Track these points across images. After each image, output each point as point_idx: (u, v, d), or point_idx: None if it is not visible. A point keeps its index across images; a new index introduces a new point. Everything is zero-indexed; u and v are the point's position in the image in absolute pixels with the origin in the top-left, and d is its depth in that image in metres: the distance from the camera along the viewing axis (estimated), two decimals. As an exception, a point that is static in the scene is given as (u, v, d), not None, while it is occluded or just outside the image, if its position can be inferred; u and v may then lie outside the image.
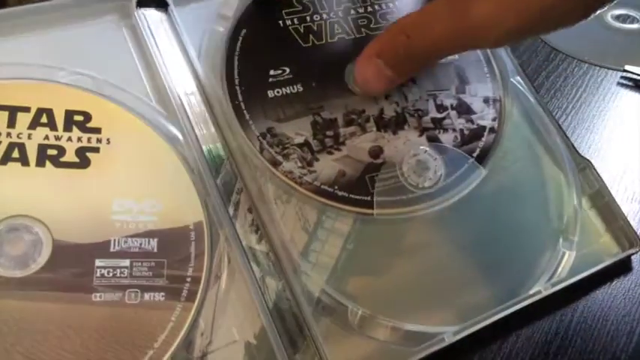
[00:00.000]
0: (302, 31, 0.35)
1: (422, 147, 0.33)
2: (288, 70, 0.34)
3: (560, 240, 0.33)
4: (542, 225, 0.33)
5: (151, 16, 0.34)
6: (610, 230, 0.34)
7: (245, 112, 0.32)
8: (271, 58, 0.34)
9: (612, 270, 0.33)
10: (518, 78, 0.36)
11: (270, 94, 0.33)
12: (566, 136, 0.35)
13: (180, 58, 0.33)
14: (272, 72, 0.33)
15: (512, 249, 0.32)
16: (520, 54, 0.39)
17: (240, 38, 0.34)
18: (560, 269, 0.32)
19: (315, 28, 0.35)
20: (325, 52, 0.35)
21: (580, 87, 0.42)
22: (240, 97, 0.32)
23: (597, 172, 0.34)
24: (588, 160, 0.35)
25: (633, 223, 0.34)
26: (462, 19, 0.28)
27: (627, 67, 0.43)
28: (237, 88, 0.33)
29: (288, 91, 0.33)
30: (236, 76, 0.33)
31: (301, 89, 0.33)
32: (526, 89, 0.36)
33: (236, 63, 0.33)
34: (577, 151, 0.35)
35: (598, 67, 0.43)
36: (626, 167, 0.38)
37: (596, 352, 0.31)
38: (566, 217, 0.33)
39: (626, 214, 0.34)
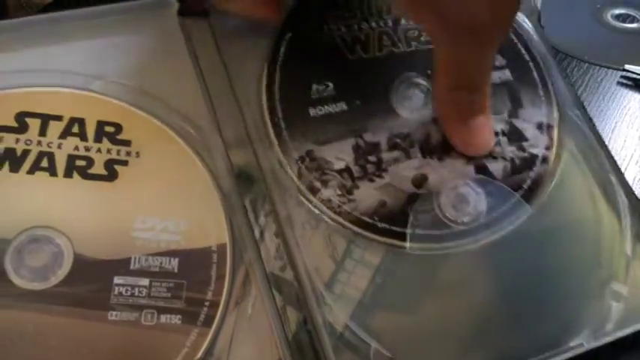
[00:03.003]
0: (349, 40, 0.33)
1: (463, 179, 0.31)
2: (331, 85, 0.32)
3: (608, 290, 0.30)
4: (589, 272, 0.31)
5: (192, 25, 0.33)
6: (667, 283, 0.31)
7: (285, 131, 0.31)
8: (315, 69, 0.32)
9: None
10: (577, 111, 0.34)
11: (312, 112, 0.31)
12: (624, 177, 0.33)
13: (219, 70, 0.33)
14: (315, 87, 0.32)
15: (555, 296, 0.30)
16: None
17: (285, 42, 0.32)
18: (606, 322, 0.29)
19: (363, 37, 0.33)
20: (372, 67, 0.33)
21: (580, 86, 0.41)
22: (280, 114, 0.31)
23: (656, 218, 0.32)
24: (646, 204, 0.32)
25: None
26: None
27: (627, 67, 0.43)
28: (278, 103, 0.31)
29: (331, 110, 0.31)
30: (277, 90, 0.31)
31: (345, 108, 0.32)
32: (584, 124, 0.34)
33: (278, 73, 0.32)
34: (634, 194, 0.32)
35: (598, 67, 0.42)
36: (626, 167, 0.37)
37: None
38: (616, 266, 0.30)
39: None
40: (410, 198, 0.30)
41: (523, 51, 0.35)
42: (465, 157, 0.32)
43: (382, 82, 0.33)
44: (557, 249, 0.31)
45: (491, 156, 0.32)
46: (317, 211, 0.30)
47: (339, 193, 0.30)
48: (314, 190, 0.30)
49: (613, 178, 0.32)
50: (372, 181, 0.31)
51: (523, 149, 0.32)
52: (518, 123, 0.33)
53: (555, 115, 0.34)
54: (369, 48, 0.33)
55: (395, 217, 0.30)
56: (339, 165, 0.30)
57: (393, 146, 0.31)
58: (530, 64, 0.35)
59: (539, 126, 0.33)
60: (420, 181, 0.31)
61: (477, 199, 0.31)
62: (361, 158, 0.31)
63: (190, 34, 0.33)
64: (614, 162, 0.33)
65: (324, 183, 0.30)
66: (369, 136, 0.31)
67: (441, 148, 0.32)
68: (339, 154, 0.31)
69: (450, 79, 0.30)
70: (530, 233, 0.31)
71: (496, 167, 0.32)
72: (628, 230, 0.31)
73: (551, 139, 0.33)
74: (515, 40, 0.35)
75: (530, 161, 0.32)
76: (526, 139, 0.33)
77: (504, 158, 0.32)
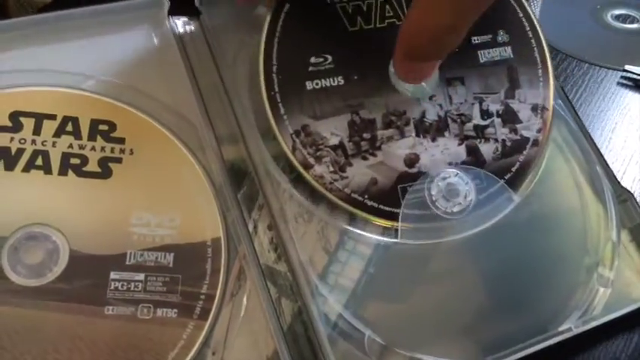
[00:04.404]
0: (350, 11, 0.32)
1: (453, 170, 0.32)
2: (330, 58, 0.31)
3: (595, 275, 0.31)
4: (576, 258, 0.31)
5: (182, 24, 0.34)
6: (651, 267, 0.32)
7: (280, 104, 0.30)
8: (313, 41, 0.31)
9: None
10: (560, 102, 0.34)
11: (309, 85, 0.31)
12: (608, 165, 0.33)
13: (210, 68, 0.33)
14: (313, 59, 0.31)
15: (543, 282, 0.31)
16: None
17: (283, 15, 0.31)
18: (593, 306, 0.30)
19: (365, 8, 0.32)
20: (372, 40, 0.32)
21: (580, 87, 0.41)
22: (276, 87, 0.30)
23: (639, 205, 0.32)
24: (630, 191, 0.33)
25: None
26: None
27: (627, 67, 0.43)
28: (275, 76, 0.30)
29: (328, 84, 0.31)
30: (274, 62, 0.31)
31: (342, 82, 0.31)
32: (567, 113, 0.34)
33: (275, 46, 0.31)
34: (618, 182, 0.33)
35: (598, 67, 0.43)
36: (626, 167, 0.38)
37: (596, 352, 0.30)
38: (602, 252, 0.31)
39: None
40: (400, 177, 0.31)
41: (527, 28, 0.34)
42: (458, 138, 0.32)
43: (382, 55, 0.32)
44: (545, 236, 0.32)
45: (484, 137, 0.32)
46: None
47: (332, 169, 0.30)
48: (308, 167, 0.30)
49: (598, 168, 0.33)
50: (365, 159, 0.31)
51: (515, 131, 0.32)
52: (514, 104, 0.33)
53: (552, 97, 0.33)
54: (370, 19, 0.32)
55: (384, 196, 0.30)
56: (334, 141, 0.30)
57: (388, 124, 0.31)
58: (533, 41, 0.34)
59: (534, 108, 0.33)
60: (412, 161, 0.31)
61: (467, 190, 0.31)
62: (356, 135, 0.31)
63: (181, 33, 0.33)
64: (598, 151, 0.34)
65: (318, 159, 0.30)
66: (365, 113, 0.31)
67: (435, 128, 0.32)
68: (335, 130, 0.30)
69: (429, 19, 0.27)
70: (518, 222, 0.31)
71: (487, 149, 0.32)
72: (613, 217, 0.32)
73: (544, 122, 0.33)
74: (521, 15, 0.34)
75: (521, 144, 0.32)
76: (520, 121, 0.33)
77: (496, 140, 0.32)
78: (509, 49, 0.34)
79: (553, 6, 0.49)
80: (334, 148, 0.30)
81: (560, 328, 0.29)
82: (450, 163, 0.32)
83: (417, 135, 0.32)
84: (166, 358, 0.26)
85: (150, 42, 0.32)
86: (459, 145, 0.32)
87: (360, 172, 0.30)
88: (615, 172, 0.35)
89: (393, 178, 0.31)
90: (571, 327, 0.29)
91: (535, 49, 0.34)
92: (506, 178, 0.32)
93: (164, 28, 0.33)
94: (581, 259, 0.31)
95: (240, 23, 0.33)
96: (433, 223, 0.31)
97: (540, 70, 0.34)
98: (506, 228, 0.31)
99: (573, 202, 0.33)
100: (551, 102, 0.33)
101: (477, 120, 0.32)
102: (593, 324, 0.30)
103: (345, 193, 0.30)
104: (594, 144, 0.34)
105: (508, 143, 0.32)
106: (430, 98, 0.32)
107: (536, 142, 0.32)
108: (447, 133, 0.32)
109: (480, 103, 0.33)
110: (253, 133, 0.31)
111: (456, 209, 0.31)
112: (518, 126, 0.33)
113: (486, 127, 0.32)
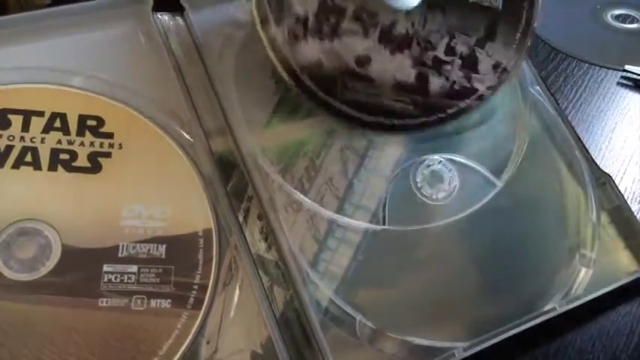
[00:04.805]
0: None
1: (436, 157, 0.32)
2: None
3: (577, 256, 0.32)
4: (558, 240, 0.32)
5: (167, 20, 0.34)
6: (629, 247, 0.33)
7: None
8: None
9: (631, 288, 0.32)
10: (538, 88, 0.35)
11: None
12: (586, 150, 0.34)
13: (196, 62, 0.33)
14: None
15: (527, 264, 0.32)
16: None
17: None
18: (576, 286, 0.31)
19: None
20: None
21: (580, 87, 0.42)
22: None
23: (617, 188, 0.33)
24: (609, 174, 0.34)
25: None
26: None
27: (627, 67, 0.43)
28: None
29: None
30: None
31: None
32: (545, 100, 0.35)
33: None
34: (597, 165, 0.34)
35: (598, 67, 0.43)
36: (626, 167, 0.38)
37: (596, 352, 0.31)
38: (583, 233, 0.32)
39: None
40: (346, 71, 0.31)
41: None
42: (414, 61, 0.32)
43: None
44: (528, 220, 0.33)
45: (438, 71, 0.32)
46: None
47: (287, 37, 0.30)
48: (266, 24, 0.30)
49: (577, 152, 0.34)
50: (321, 40, 0.31)
51: (469, 79, 0.33)
52: (480, 54, 0.33)
53: (514, 63, 0.34)
54: None
55: (323, 80, 0.30)
56: (300, 10, 0.30)
57: (356, 18, 0.31)
58: (525, 3, 0.34)
59: (496, 66, 0.33)
60: (362, 61, 0.31)
61: (450, 177, 0.32)
62: (322, 14, 0.31)
63: (166, 28, 0.34)
64: (577, 136, 0.35)
65: (278, 21, 0.30)
66: None
67: (397, 42, 0.32)
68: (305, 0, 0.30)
69: None
70: (500, 207, 0.32)
71: (435, 82, 0.32)
72: (593, 200, 0.33)
73: (499, 82, 0.33)
74: None
75: (467, 93, 0.32)
76: (477, 72, 0.33)
77: (447, 79, 0.32)
78: (500, 1, 0.34)
79: (553, 6, 0.49)
80: (297, 18, 0.30)
81: (545, 308, 0.30)
82: (395, 79, 0.31)
83: (379, 41, 0.31)
84: (162, 348, 0.27)
85: (135, 38, 0.33)
86: (412, 67, 0.32)
87: (311, 51, 0.30)
88: (615, 173, 0.36)
89: (339, 68, 0.31)
90: (555, 306, 0.30)
91: (525, 12, 0.34)
92: (438, 116, 0.32)
93: (149, 25, 0.33)
94: (563, 241, 0.32)
95: (225, 18, 0.34)
96: (419, 210, 0.31)
97: (520, 34, 0.34)
98: (489, 213, 0.32)
99: (554, 187, 0.34)
100: (513, 67, 0.34)
101: (440, 53, 0.32)
102: (577, 303, 0.30)
103: (288, 62, 0.30)
104: (573, 129, 0.35)
105: (456, 87, 0.32)
106: (407, 13, 0.32)
107: (481, 97, 0.33)
108: (406, 52, 0.32)
109: (450, 39, 0.33)
110: (240, 126, 0.32)
111: (440, 195, 0.32)
112: (473, 75, 0.33)
113: (445, 62, 0.32)
